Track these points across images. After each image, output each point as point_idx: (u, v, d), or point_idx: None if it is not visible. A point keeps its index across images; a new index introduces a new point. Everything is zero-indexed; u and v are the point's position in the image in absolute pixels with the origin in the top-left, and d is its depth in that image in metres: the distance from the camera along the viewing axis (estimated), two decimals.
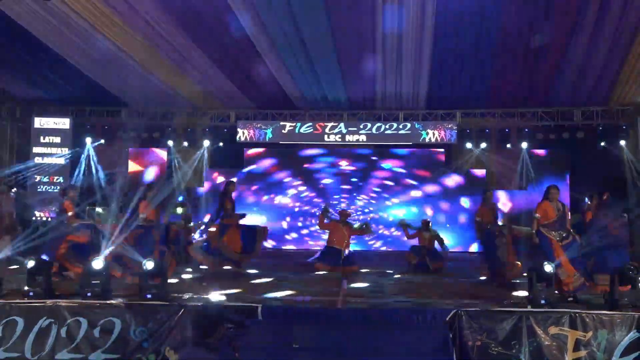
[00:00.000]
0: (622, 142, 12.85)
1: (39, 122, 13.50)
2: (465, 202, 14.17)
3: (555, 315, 5.75)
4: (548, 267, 6.19)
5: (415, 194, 14.35)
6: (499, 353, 5.60)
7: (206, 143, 14.10)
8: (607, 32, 9.48)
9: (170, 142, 14.08)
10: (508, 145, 13.70)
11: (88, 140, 13.79)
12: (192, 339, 5.82)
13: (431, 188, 14.36)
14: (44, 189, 13.30)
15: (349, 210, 11.40)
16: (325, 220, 10.13)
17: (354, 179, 14.55)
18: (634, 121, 12.66)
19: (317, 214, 11.59)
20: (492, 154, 13.85)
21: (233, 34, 9.70)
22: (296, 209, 14.51)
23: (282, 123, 13.70)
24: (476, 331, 5.67)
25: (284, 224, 14.43)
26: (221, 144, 14.22)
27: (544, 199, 7.43)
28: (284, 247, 14.19)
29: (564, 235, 7.19)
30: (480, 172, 14.18)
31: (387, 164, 14.58)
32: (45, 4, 8.83)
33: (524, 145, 13.47)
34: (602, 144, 13.11)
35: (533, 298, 6.07)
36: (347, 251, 9.96)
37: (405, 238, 10.70)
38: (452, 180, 14.27)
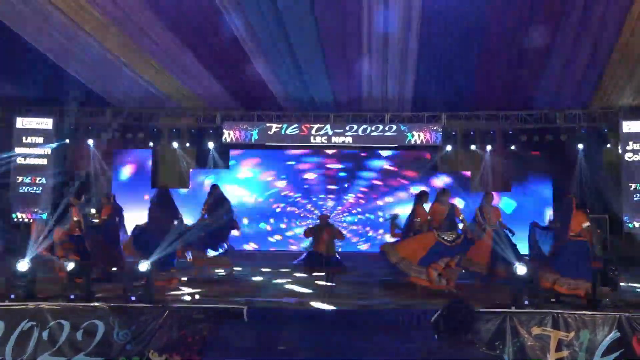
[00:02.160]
0: (605, 145, 13.02)
1: (21, 122, 13.26)
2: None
3: (539, 315, 5.83)
4: (521, 269, 6.25)
5: (402, 195, 14.37)
6: (483, 353, 5.64)
7: (190, 144, 14.02)
8: (590, 36, 9.61)
9: (152, 143, 13.95)
10: (490, 148, 13.79)
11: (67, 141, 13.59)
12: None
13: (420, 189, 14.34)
14: (25, 190, 13.10)
15: (327, 214, 11.47)
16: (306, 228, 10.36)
17: (341, 179, 14.47)
18: (615, 124, 12.84)
19: (302, 215, 11.59)
20: (477, 156, 13.94)
21: (220, 35, 9.66)
22: (278, 210, 14.36)
23: (268, 124, 13.64)
24: None
25: (267, 227, 14.30)
26: (210, 144, 14.09)
27: (435, 201, 7.91)
28: (268, 249, 14.06)
29: (453, 236, 7.53)
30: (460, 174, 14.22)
31: (374, 163, 14.59)
32: (28, 1, 8.73)
33: (512, 147, 13.56)
34: (585, 146, 13.22)
35: (516, 299, 6.12)
36: (331, 253, 9.99)
37: (389, 235, 10.76)
38: (441, 181, 14.30)
